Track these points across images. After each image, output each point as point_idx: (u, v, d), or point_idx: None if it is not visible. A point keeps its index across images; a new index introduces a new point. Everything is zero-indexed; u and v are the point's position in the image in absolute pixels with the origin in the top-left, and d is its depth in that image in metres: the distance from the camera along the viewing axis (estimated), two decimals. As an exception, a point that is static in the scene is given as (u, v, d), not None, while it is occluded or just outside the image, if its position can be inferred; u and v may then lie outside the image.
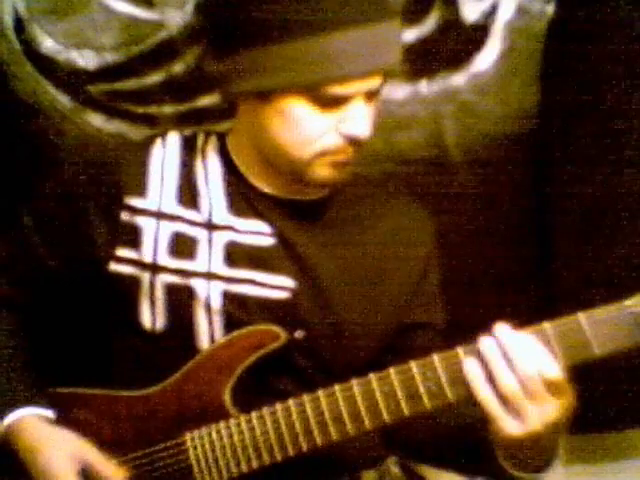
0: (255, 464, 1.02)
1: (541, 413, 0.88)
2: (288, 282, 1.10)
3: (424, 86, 1.51)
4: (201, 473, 1.05)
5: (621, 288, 1.43)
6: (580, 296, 1.48)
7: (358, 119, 1.04)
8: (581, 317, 0.90)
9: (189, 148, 1.16)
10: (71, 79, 1.49)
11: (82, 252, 1.14)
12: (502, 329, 0.91)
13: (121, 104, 1.51)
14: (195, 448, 1.05)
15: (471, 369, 0.91)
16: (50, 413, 1.11)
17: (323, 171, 1.07)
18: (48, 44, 1.47)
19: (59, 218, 1.16)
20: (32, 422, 1.08)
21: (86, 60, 1.48)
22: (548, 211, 1.54)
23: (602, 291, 1.44)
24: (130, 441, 1.09)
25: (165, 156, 1.15)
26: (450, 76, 1.51)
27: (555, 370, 0.88)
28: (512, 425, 0.88)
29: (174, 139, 1.17)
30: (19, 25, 1.47)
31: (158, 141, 1.16)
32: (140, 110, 1.51)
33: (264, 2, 0.99)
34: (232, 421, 1.04)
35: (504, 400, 0.89)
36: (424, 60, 1.50)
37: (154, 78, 1.50)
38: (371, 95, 1.05)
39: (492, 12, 1.49)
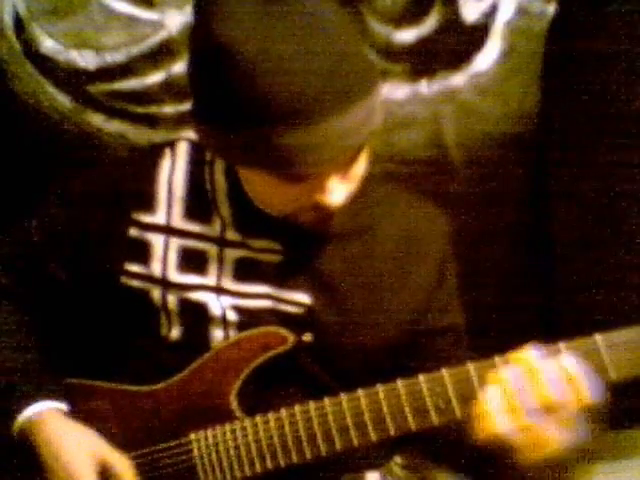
0: (259, 468, 1.03)
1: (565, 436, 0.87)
2: (304, 298, 1.09)
3: (424, 86, 1.51)
4: (205, 474, 1.05)
5: (621, 289, 1.45)
6: (581, 296, 1.49)
7: (330, 192, 0.97)
8: (598, 339, 0.88)
9: (198, 159, 1.14)
10: (71, 79, 1.48)
11: (92, 267, 1.14)
12: (524, 355, 0.89)
13: (121, 104, 1.51)
14: (199, 449, 1.05)
15: (493, 400, 0.88)
16: (65, 406, 1.11)
17: (307, 218, 1.03)
18: (48, 44, 1.47)
19: (67, 234, 1.15)
20: (53, 416, 1.08)
21: (86, 60, 1.48)
22: (548, 211, 1.54)
23: (603, 291, 1.46)
24: (135, 438, 1.09)
25: (174, 168, 1.13)
26: (450, 76, 1.51)
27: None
28: (534, 454, 0.87)
29: (183, 148, 1.15)
30: (19, 25, 1.46)
31: (167, 151, 1.15)
32: (140, 110, 1.51)
33: (228, 90, 0.90)
34: (237, 424, 1.04)
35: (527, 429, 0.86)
36: (424, 60, 1.50)
37: (154, 78, 1.50)
38: (346, 171, 0.99)
39: (492, 12, 1.48)
